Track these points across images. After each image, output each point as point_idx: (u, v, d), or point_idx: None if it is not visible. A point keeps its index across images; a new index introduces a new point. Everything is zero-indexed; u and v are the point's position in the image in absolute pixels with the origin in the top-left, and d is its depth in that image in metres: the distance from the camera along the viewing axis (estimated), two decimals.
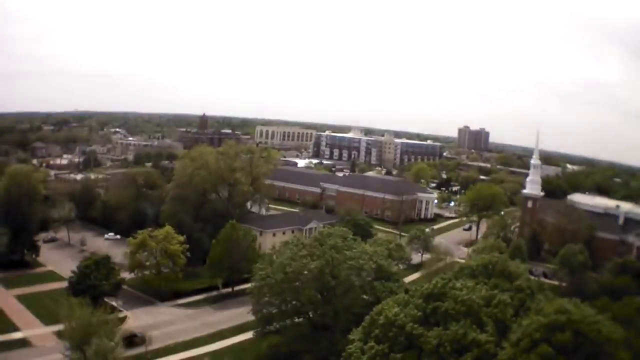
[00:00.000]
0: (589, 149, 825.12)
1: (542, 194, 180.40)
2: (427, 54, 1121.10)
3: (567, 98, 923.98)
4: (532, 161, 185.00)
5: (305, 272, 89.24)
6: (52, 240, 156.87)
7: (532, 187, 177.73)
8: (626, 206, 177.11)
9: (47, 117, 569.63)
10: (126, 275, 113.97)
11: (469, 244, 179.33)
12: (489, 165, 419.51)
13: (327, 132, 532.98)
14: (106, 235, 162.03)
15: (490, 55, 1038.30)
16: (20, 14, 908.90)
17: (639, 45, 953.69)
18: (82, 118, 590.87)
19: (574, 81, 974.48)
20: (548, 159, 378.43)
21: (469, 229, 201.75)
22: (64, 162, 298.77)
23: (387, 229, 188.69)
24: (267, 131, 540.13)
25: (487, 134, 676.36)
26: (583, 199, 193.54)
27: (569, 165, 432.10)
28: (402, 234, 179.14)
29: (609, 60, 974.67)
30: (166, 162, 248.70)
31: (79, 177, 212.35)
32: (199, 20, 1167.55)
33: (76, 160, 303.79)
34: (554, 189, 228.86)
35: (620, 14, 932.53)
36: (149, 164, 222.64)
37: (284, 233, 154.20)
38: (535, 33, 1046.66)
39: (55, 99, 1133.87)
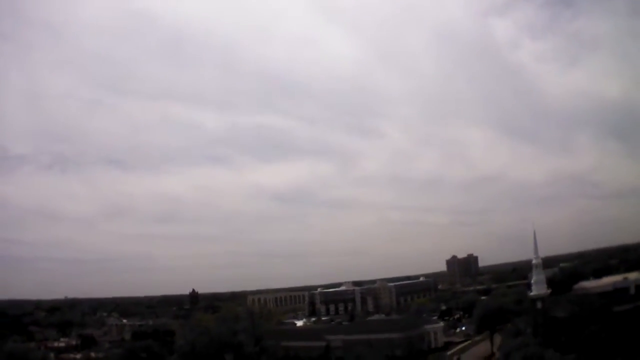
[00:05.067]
0: (576, 243, 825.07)
1: (549, 291, 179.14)
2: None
3: (544, 201, 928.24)
4: (534, 261, 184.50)
5: None
6: None
7: (538, 287, 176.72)
8: (633, 275, 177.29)
9: (37, 304, 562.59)
10: None
11: (487, 358, 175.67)
12: (485, 286, 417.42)
13: (319, 290, 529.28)
14: None
15: (457, 179, 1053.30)
16: None
17: (606, 126, 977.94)
18: (72, 304, 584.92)
19: (548, 182, 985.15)
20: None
21: None
22: (62, 344, 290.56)
23: None
24: (259, 299, 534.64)
25: (476, 259, 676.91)
26: (590, 284, 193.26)
27: (561, 264, 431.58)
28: None
29: (579, 148, 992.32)
30: (165, 337, 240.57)
31: (78, 357, 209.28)
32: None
33: (74, 343, 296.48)
34: (557, 286, 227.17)
35: (582, 96, 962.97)
36: (148, 341, 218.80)
37: None
38: (496, 143, 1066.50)
39: (43, 286, 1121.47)
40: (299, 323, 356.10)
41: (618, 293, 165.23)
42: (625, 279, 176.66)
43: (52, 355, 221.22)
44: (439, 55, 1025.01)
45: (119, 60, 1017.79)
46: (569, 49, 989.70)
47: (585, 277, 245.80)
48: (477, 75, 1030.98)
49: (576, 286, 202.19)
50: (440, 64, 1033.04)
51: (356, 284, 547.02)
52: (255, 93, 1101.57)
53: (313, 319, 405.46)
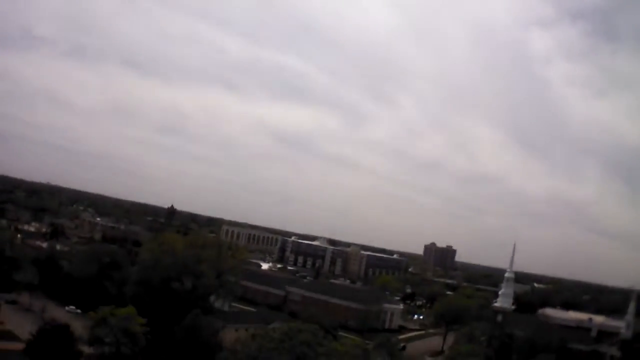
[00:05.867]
0: (558, 269, 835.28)
1: (513, 307, 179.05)
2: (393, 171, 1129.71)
3: (535, 217, 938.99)
4: (507, 274, 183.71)
5: None
6: (13, 302, 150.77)
7: (504, 300, 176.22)
8: (599, 319, 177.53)
9: (19, 184, 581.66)
10: (85, 349, 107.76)
11: (434, 354, 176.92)
12: (454, 282, 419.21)
13: (293, 238, 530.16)
14: (67, 308, 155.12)
15: (458, 170, 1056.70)
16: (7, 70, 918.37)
17: (617, 165, 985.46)
18: (53, 190, 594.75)
19: (545, 200, 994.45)
20: (515, 277, 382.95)
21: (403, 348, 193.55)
22: (32, 229, 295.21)
23: (350, 336, 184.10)
24: (232, 231, 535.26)
25: (453, 252, 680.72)
26: (554, 313, 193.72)
27: (535, 284, 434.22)
28: (367, 341, 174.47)
29: (583, 178, 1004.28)
30: (132, 246, 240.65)
31: (45, 245, 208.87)
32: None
33: (44, 230, 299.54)
34: (524, 304, 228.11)
35: (600, 129, 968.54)
36: (114, 245, 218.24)
37: (246, 330, 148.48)
38: (505, 147, 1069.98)
39: (29, 167, 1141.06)
40: (265, 266, 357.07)
41: (580, 331, 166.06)
42: (590, 319, 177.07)
43: (19, 237, 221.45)
44: (472, 47, 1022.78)
45: None
46: (600, 81, 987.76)
47: (553, 305, 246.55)
48: (504, 77, 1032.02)
49: (541, 311, 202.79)
50: (471, 56, 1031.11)
51: (331, 242, 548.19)
52: (283, 32, 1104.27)
53: (279, 265, 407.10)
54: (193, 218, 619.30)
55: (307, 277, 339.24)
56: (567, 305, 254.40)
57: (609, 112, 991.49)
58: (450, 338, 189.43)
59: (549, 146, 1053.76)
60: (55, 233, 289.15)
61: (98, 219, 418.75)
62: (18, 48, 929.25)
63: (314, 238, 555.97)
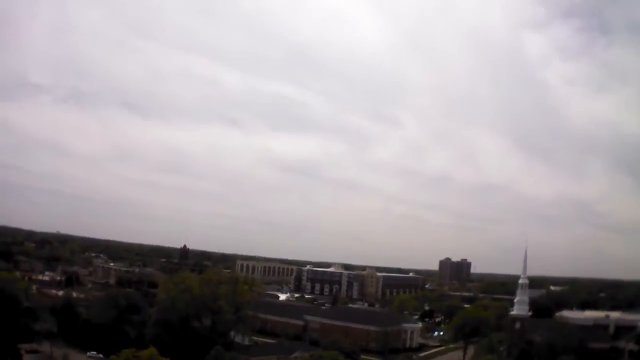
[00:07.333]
0: (571, 269, 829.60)
1: (529, 314, 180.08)
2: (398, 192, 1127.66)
3: (546, 220, 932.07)
4: (520, 281, 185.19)
5: None
6: (34, 352, 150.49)
7: (520, 307, 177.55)
8: (615, 315, 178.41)
9: (29, 235, 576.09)
10: None
11: None
12: (471, 294, 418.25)
13: (308, 267, 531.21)
14: (89, 354, 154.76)
15: (465, 182, 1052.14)
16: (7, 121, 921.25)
17: (621, 159, 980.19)
18: (64, 240, 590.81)
19: (553, 202, 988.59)
20: (531, 282, 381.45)
21: None
22: (46, 278, 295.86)
23: (372, 359, 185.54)
24: (247, 265, 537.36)
25: (468, 265, 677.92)
26: (571, 315, 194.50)
27: (552, 287, 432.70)
28: None
29: (589, 176, 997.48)
30: (148, 288, 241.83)
31: (60, 293, 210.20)
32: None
33: (58, 278, 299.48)
34: (541, 309, 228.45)
35: (601, 125, 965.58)
36: (130, 289, 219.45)
37: None
38: (509, 154, 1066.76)
39: (38, 218, 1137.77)
40: (282, 297, 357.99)
41: (598, 330, 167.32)
42: (607, 316, 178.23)
43: (34, 287, 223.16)
44: (468, 58, 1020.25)
45: (150, 4, 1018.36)
46: (597, 76, 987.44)
47: (570, 306, 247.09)
48: (502, 84, 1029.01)
49: (558, 313, 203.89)
50: (467, 66, 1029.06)
51: (346, 267, 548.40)
52: (278, 61, 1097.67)
53: (297, 294, 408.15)
54: (207, 256, 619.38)
55: (325, 304, 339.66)
56: (583, 305, 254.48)
57: (608, 107, 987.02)
58: (471, 351, 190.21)
59: (553, 148, 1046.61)
60: (70, 281, 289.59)
61: (111, 264, 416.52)
62: (15, 98, 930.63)
63: (328, 265, 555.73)
